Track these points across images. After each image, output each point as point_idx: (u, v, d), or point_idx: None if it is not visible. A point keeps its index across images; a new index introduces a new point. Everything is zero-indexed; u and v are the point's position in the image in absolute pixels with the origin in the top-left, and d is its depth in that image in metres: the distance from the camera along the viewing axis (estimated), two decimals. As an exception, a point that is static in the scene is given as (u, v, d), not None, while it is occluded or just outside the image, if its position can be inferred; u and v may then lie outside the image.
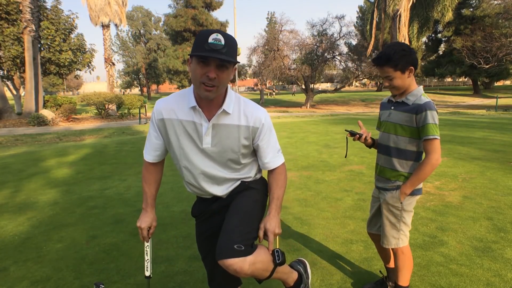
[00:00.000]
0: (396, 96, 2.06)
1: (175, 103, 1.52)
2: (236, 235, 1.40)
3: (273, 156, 1.59)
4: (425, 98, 1.91)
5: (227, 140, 1.50)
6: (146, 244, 1.73)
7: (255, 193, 1.62)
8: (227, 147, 1.52)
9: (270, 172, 1.64)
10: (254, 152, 1.62)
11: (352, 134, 2.20)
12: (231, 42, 1.34)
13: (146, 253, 1.75)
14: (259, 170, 1.69)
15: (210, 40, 1.30)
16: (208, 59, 1.32)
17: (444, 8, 25.61)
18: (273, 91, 45.35)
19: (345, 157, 2.46)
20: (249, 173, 1.63)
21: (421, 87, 1.99)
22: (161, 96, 55.20)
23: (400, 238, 2.03)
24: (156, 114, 1.55)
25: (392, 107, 2.06)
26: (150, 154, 1.64)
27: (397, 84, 1.93)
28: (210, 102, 1.46)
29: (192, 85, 1.49)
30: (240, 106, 1.51)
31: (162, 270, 2.66)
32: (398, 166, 2.01)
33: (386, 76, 1.94)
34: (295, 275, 1.72)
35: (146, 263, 1.76)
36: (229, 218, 1.50)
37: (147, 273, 1.76)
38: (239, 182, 1.62)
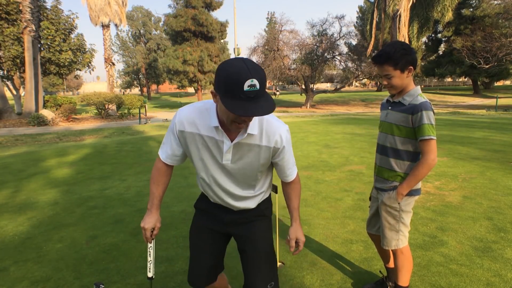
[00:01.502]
0: (394, 96, 2.05)
1: (197, 117, 1.49)
2: (266, 275, 1.63)
3: (290, 170, 1.64)
4: (422, 98, 1.90)
5: (248, 159, 1.51)
6: (149, 245, 1.71)
7: (268, 224, 1.72)
8: (247, 164, 1.53)
9: (287, 183, 1.69)
10: (269, 167, 1.66)
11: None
12: (262, 78, 1.24)
13: (149, 254, 1.72)
14: (270, 184, 1.74)
15: (245, 87, 1.20)
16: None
17: (444, 8, 25.60)
18: (277, 91, 44.98)
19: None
20: (262, 188, 1.67)
21: (419, 87, 1.98)
22: (161, 96, 55.25)
23: (399, 239, 2.03)
24: (178, 125, 1.52)
25: (390, 107, 2.05)
26: (170, 157, 1.61)
27: (396, 83, 1.93)
28: None
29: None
30: (262, 125, 1.47)
31: (162, 270, 2.66)
32: (395, 166, 2.00)
33: (385, 75, 1.93)
34: None
35: (149, 264, 1.74)
36: (255, 262, 1.65)
37: (150, 274, 1.74)
38: (254, 204, 1.66)
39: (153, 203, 1.65)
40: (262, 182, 1.65)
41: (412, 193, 1.99)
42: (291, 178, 1.66)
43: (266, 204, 1.73)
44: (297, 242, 1.64)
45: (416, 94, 1.93)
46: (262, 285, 1.62)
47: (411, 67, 1.90)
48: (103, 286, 2.03)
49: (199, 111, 1.50)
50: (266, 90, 1.29)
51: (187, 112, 1.51)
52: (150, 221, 1.63)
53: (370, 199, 2.30)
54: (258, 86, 1.22)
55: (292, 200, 1.68)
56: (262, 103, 1.24)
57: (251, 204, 1.65)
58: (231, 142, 1.46)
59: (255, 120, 1.46)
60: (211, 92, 1.36)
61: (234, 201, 1.62)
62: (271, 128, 1.48)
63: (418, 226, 3.34)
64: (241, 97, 1.21)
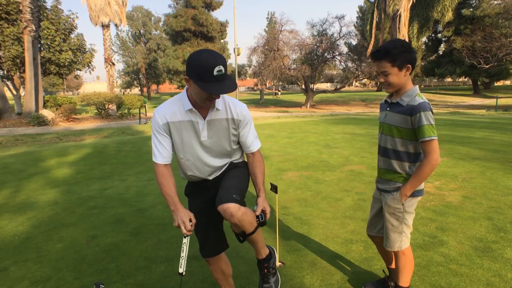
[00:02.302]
0: (392, 96, 2.03)
1: (173, 107, 1.78)
2: (233, 190, 1.76)
3: (253, 141, 1.93)
4: (420, 98, 1.87)
5: (220, 131, 1.82)
6: (184, 240, 1.76)
7: (242, 169, 1.99)
8: (221, 136, 1.83)
9: (252, 159, 1.95)
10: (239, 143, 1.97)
11: None
12: (225, 64, 1.62)
13: (183, 250, 1.76)
14: (242, 154, 2.04)
15: (215, 73, 1.55)
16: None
17: (444, 8, 25.62)
18: (279, 91, 43.58)
19: None
20: (236, 156, 1.98)
21: (417, 87, 1.95)
22: (161, 96, 55.26)
23: (402, 240, 2.02)
24: (160, 119, 1.77)
25: (388, 108, 2.02)
26: (166, 157, 1.81)
27: (393, 81, 1.89)
28: None
29: (184, 90, 1.81)
30: (225, 103, 1.82)
31: (162, 270, 2.66)
32: (397, 168, 1.99)
33: (382, 72, 1.89)
34: (267, 251, 2.00)
35: (181, 260, 1.76)
36: (225, 180, 1.85)
37: (181, 270, 1.76)
38: (229, 163, 1.96)
39: (175, 201, 1.77)
40: (236, 153, 1.96)
41: (415, 194, 1.98)
42: (253, 149, 1.93)
43: (241, 162, 2.00)
44: (264, 211, 1.85)
45: (414, 94, 1.90)
46: (226, 195, 1.71)
47: (409, 65, 1.87)
48: (103, 286, 2.03)
49: (173, 103, 1.80)
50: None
51: (164, 107, 1.80)
52: (183, 215, 1.72)
53: None
54: (223, 70, 1.58)
55: (257, 176, 1.92)
56: (227, 83, 1.61)
57: (226, 165, 1.94)
58: (204, 120, 1.77)
59: (219, 98, 1.78)
60: (185, 78, 1.68)
61: (216, 172, 1.91)
62: (233, 104, 1.84)
63: (418, 226, 3.33)
64: (212, 80, 1.57)
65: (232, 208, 1.65)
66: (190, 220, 1.73)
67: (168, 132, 1.79)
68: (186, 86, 1.79)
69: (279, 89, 45.72)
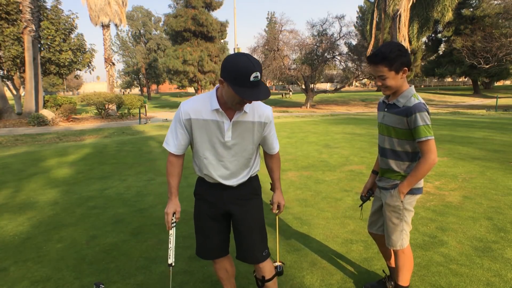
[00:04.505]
0: (389, 97, 2.06)
1: (200, 105, 1.78)
2: (261, 245, 1.92)
3: (274, 141, 1.99)
4: (415, 99, 1.90)
5: (245, 134, 1.83)
6: (170, 232, 1.83)
7: (260, 202, 1.99)
8: (245, 138, 1.84)
9: (270, 157, 2.04)
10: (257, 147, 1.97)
11: (364, 201, 2.33)
12: (261, 70, 1.61)
13: (170, 241, 1.83)
14: (259, 160, 2.03)
15: (251, 78, 1.54)
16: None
17: (444, 8, 25.58)
18: (290, 92, 40.22)
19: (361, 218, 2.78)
20: (254, 161, 1.96)
21: (412, 87, 1.98)
22: (161, 96, 55.31)
23: (403, 239, 2.04)
24: (184, 114, 1.79)
25: (386, 109, 2.06)
26: (178, 147, 1.86)
27: (390, 84, 1.92)
28: None
29: (214, 89, 1.79)
30: (253, 105, 1.82)
31: (162, 270, 2.66)
32: (395, 167, 2.02)
33: (379, 76, 1.92)
34: None
35: (169, 251, 1.83)
36: (250, 233, 1.90)
37: (170, 261, 1.83)
38: (247, 177, 1.92)
39: (172, 192, 1.90)
40: (254, 156, 1.95)
41: (414, 191, 2.00)
42: (276, 150, 2.02)
43: (257, 181, 2.00)
44: (279, 206, 2.00)
45: (410, 95, 1.93)
46: (258, 254, 1.89)
47: (406, 68, 1.90)
48: (103, 286, 2.03)
49: (200, 100, 1.80)
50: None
51: (190, 103, 1.80)
52: (172, 207, 1.87)
53: (361, 198, 2.33)
54: (259, 76, 1.57)
55: (274, 172, 2.05)
56: (262, 89, 1.60)
57: (245, 177, 1.92)
58: (230, 121, 1.77)
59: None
60: (219, 80, 1.67)
61: (233, 177, 1.88)
62: (260, 107, 1.84)
63: (418, 226, 3.33)
64: (247, 85, 1.55)
65: (267, 267, 1.90)
66: (174, 213, 1.85)
67: (189, 128, 1.81)
68: (217, 85, 1.75)
69: (290, 89, 41.09)
